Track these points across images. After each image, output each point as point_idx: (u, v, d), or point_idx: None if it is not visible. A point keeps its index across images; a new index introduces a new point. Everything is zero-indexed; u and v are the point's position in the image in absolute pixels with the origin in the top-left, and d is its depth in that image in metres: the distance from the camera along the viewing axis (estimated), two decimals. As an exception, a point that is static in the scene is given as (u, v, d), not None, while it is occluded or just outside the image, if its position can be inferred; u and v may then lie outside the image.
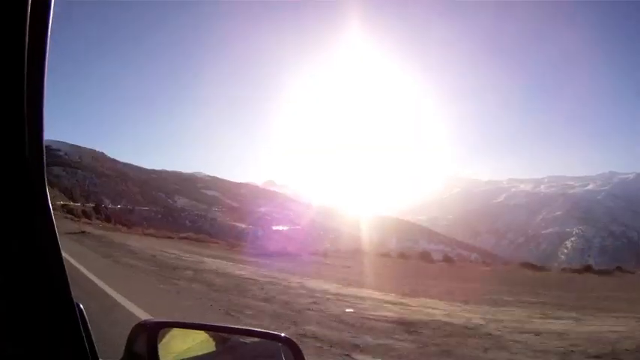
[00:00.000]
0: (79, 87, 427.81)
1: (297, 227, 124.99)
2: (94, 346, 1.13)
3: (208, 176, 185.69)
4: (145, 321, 1.87)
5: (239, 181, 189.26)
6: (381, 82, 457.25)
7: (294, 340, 1.81)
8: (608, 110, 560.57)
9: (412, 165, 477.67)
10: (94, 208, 41.33)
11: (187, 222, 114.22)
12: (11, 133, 1.12)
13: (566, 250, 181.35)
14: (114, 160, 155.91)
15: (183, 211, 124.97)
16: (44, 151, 0.85)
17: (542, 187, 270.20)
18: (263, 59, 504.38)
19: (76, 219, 40.45)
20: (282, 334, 2.01)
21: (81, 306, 1.08)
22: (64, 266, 0.99)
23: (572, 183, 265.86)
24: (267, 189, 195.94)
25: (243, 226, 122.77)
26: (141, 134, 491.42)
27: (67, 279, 1.27)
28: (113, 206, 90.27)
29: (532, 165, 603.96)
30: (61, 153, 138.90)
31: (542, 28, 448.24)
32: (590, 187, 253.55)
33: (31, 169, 1.16)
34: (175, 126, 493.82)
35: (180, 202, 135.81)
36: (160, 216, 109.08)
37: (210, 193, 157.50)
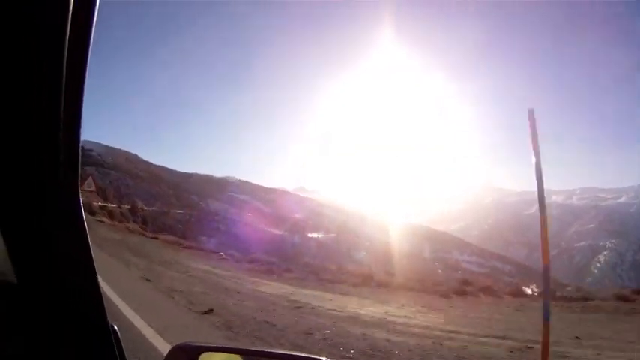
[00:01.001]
0: (112, 87, 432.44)
1: (332, 235, 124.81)
2: None
3: (239, 180, 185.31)
4: (183, 343, 1.83)
5: (269, 186, 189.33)
6: (414, 86, 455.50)
7: None
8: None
9: (444, 173, 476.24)
10: (130, 210, 40.77)
11: (221, 227, 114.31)
12: (48, 135, 1.09)
13: (599, 264, 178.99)
14: (147, 163, 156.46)
15: (217, 215, 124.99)
16: (79, 160, 0.86)
17: (574, 198, 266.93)
18: (295, 63, 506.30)
19: (117, 223, 38.85)
20: (324, 359, 1.90)
21: (115, 327, 1.07)
22: (98, 284, 0.97)
23: (603, 195, 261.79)
24: (299, 194, 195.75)
25: (279, 232, 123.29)
26: (173, 137, 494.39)
27: (101, 297, 1.23)
28: (147, 208, 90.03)
29: (564, 176, 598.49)
30: (94, 153, 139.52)
31: (580, 26, 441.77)
32: (622, 199, 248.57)
33: (65, 176, 1.13)
34: (206, 129, 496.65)
35: (213, 205, 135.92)
36: (193, 219, 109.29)
37: (242, 197, 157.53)
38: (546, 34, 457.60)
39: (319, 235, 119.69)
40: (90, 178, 36.11)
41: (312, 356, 1.90)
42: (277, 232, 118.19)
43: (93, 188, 37.09)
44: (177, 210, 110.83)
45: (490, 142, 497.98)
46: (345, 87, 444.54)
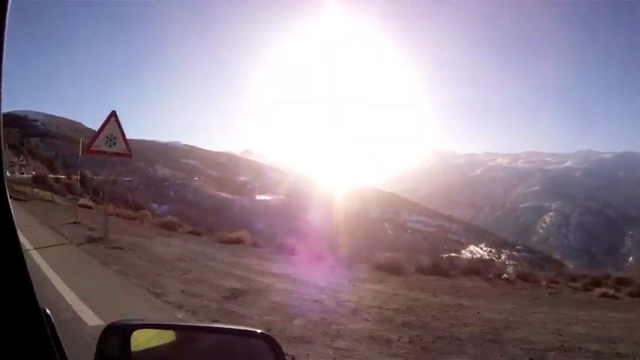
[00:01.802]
0: (50, 53, 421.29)
1: (280, 197, 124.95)
2: (64, 353, 1.09)
3: (187, 145, 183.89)
4: (116, 322, 1.79)
5: (217, 150, 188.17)
6: (362, 51, 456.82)
7: (273, 336, 1.83)
8: (586, 89, 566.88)
9: (392, 136, 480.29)
10: (80, 180, 39.49)
11: (171, 192, 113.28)
12: None
13: (544, 225, 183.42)
14: (90, 130, 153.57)
15: (166, 181, 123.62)
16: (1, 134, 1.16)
17: (519, 161, 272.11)
18: (242, 25, 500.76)
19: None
20: (260, 331, 1.97)
21: (48, 311, 1.03)
22: (25, 265, 0.93)
23: (549, 159, 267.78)
24: (246, 158, 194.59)
25: (227, 195, 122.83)
26: (114, 102, 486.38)
27: (30, 280, 1.15)
28: (96, 177, 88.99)
29: (509, 140, 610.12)
30: (38, 123, 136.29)
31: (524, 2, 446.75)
32: (567, 164, 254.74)
33: None
34: (150, 94, 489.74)
35: (162, 171, 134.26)
36: (142, 186, 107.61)
37: (190, 162, 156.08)
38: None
39: (268, 198, 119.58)
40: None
41: (249, 329, 1.88)
42: (227, 195, 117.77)
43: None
44: (126, 177, 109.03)
45: (438, 105, 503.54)
46: (289, 48, 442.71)
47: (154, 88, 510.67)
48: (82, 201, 26.01)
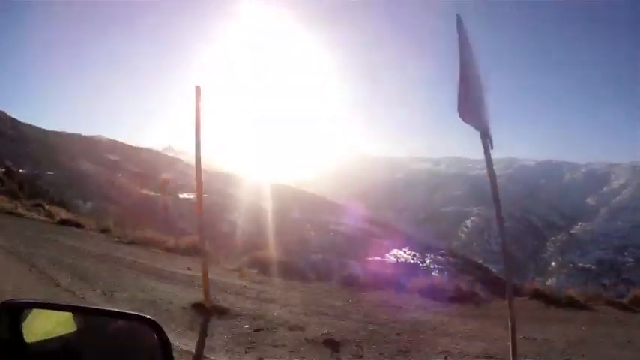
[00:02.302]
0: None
1: (204, 196, 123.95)
2: None
3: (109, 140, 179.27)
4: (8, 301, 1.85)
5: (139, 146, 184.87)
6: (286, 54, 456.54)
7: (157, 320, 1.86)
8: (507, 98, 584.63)
9: (314, 137, 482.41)
10: (5, 173, 37.82)
11: (94, 189, 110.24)
12: None
13: (466, 229, 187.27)
14: (13, 120, 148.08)
15: (89, 177, 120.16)
16: None
17: (442, 166, 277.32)
18: (160, 19, 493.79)
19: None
20: (145, 315, 2.01)
21: None
22: None
23: (472, 165, 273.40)
24: (167, 154, 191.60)
25: (151, 193, 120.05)
26: (36, 92, 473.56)
27: None
28: (18, 170, 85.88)
29: (432, 145, 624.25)
30: None
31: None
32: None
33: None
34: (72, 85, 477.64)
35: (85, 166, 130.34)
36: (65, 182, 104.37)
37: (112, 157, 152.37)
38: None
39: (190, 197, 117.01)
40: None
41: (136, 313, 1.95)
42: (150, 193, 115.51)
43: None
44: (48, 172, 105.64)
45: (360, 107, 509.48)
46: (210, 45, 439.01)
47: (76, 80, 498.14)
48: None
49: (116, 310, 2.29)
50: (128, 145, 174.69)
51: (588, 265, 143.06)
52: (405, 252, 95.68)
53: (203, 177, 9.42)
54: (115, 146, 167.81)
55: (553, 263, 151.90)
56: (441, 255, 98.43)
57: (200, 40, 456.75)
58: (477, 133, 5.98)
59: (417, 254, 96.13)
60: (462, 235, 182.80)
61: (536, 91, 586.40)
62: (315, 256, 67.43)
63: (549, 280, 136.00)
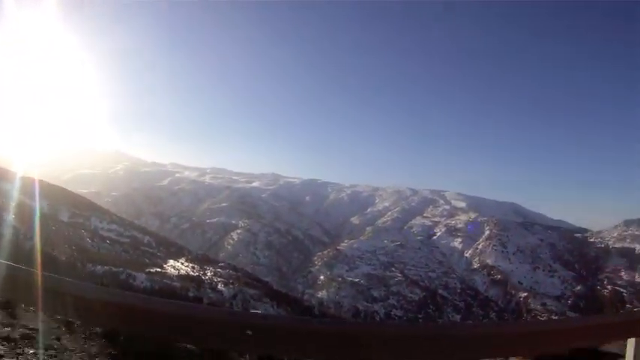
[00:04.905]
0: None
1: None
2: None
3: None
4: None
5: None
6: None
7: None
8: (274, 116, 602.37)
9: (75, 135, 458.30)
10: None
11: None
12: None
13: (232, 241, 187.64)
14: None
15: None
16: None
17: (207, 176, 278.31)
18: None
19: None
20: None
21: None
22: None
23: (237, 178, 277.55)
24: None
25: None
26: None
27: None
28: None
29: (196, 154, 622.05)
30: None
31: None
32: (255, 184, 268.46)
33: None
34: None
35: None
36: None
37: None
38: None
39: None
40: None
41: None
42: None
43: None
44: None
45: (123, 110, 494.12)
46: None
47: None
48: None
49: None
50: None
51: (357, 280, 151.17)
52: (182, 264, 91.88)
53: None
54: None
55: (322, 277, 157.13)
56: (221, 268, 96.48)
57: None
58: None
59: (197, 267, 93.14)
60: (229, 247, 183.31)
61: (290, 111, 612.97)
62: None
63: (320, 293, 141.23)
